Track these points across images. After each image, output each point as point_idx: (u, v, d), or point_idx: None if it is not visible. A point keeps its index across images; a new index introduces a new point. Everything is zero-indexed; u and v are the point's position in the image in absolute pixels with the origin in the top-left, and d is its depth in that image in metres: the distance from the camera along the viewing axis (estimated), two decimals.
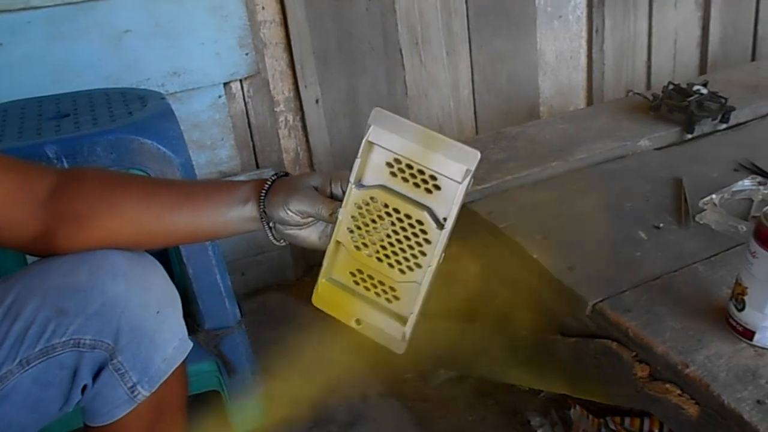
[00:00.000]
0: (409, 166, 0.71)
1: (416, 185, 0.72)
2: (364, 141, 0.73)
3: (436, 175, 0.70)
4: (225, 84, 1.73)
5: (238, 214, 0.81)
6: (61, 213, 0.79)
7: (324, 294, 0.80)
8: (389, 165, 0.73)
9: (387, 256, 0.75)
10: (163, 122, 1.15)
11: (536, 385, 1.29)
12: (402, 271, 0.74)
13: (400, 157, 0.72)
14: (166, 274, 0.87)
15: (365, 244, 0.75)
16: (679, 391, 0.91)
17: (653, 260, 1.11)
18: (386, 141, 0.72)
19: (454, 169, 0.69)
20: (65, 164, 1.04)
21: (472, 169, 0.68)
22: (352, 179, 0.74)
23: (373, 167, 0.74)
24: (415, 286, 0.74)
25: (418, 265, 0.73)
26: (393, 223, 0.73)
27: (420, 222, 0.72)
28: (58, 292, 0.77)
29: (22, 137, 1.09)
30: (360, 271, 0.77)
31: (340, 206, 0.75)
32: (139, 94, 1.27)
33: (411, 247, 0.73)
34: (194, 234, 0.85)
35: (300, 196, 0.77)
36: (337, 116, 1.92)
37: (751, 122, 1.62)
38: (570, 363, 1.11)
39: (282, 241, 0.83)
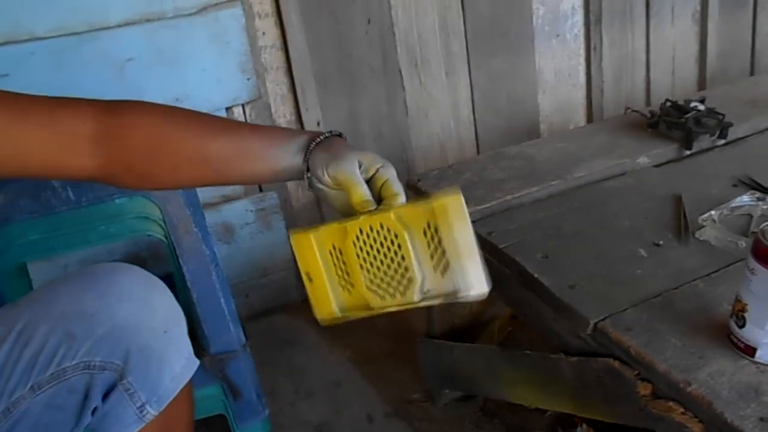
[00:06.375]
0: (440, 241, 0.74)
1: (432, 255, 0.75)
2: (448, 200, 0.74)
3: (451, 265, 0.75)
4: (227, 109, 1.74)
5: (290, 162, 0.80)
6: (115, 161, 0.78)
7: (302, 241, 0.80)
8: (428, 225, 0.75)
9: (368, 272, 0.78)
10: None
11: (541, 404, 1.29)
12: (375, 295, 0.79)
13: (438, 228, 0.75)
14: (171, 294, 0.89)
15: (358, 255, 0.78)
16: (682, 409, 0.91)
17: (653, 278, 1.11)
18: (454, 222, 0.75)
19: (464, 285, 0.75)
20: (71, 195, 1.05)
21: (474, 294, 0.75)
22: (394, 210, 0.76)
23: (414, 214, 0.75)
24: (367, 306, 0.80)
25: (384, 299, 0.79)
26: (392, 259, 0.76)
27: (411, 281, 0.76)
28: (67, 317, 0.79)
29: None
30: (340, 253, 0.79)
31: (370, 205, 0.76)
32: None
33: (392, 295, 0.78)
34: (250, 178, 0.84)
35: (342, 163, 0.76)
36: None
37: (750, 137, 1.62)
38: (573, 382, 1.11)
39: (310, 189, 0.81)
